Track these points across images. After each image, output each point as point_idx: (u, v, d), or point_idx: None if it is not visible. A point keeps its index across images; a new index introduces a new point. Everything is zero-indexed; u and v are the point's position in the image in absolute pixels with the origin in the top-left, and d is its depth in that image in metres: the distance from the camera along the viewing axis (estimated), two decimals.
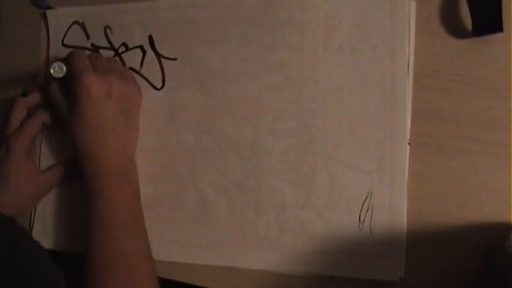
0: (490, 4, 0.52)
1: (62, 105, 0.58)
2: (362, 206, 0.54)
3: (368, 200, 0.54)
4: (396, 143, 0.53)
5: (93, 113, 0.56)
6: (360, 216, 0.54)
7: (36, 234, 0.63)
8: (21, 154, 0.60)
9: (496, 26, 0.51)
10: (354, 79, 0.55)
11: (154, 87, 0.61)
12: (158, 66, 0.61)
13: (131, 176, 0.57)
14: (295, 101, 0.56)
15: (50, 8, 0.66)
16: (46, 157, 0.64)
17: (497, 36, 0.52)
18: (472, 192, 0.52)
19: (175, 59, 0.61)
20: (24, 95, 0.61)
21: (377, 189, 0.54)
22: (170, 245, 0.59)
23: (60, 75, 0.57)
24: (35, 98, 0.61)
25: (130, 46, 0.63)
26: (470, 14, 0.53)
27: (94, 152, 0.56)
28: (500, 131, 0.52)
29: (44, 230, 0.63)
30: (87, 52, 0.61)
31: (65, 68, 0.57)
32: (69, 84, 0.57)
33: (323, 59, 0.56)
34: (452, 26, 0.54)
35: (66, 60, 0.58)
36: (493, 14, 0.52)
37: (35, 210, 0.64)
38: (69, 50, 0.64)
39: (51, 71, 0.57)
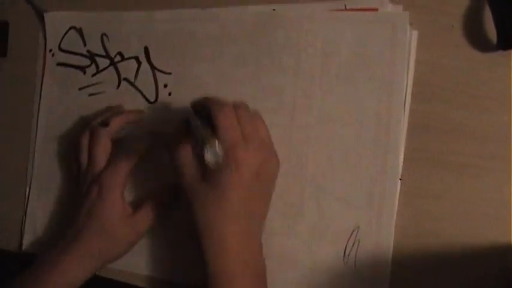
0: None
1: (190, 176, 0.48)
2: (348, 240, 0.53)
3: (355, 234, 0.53)
4: (387, 179, 0.52)
5: (236, 194, 0.46)
6: (345, 250, 0.53)
7: (27, 240, 0.64)
8: (117, 194, 0.55)
9: None
10: (348, 109, 0.54)
11: (148, 101, 0.61)
12: (153, 78, 0.60)
13: (262, 272, 0.50)
14: (287, 128, 0.55)
15: None
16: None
17: None
18: (497, 214, 0.50)
19: (170, 73, 0.60)
20: (105, 124, 0.56)
21: (364, 224, 0.53)
22: (162, 262, 0.59)
23: (216, 167, 0.45)
24: (117, 125, 0.57)
25: (126, 56, 0.62)
26: (496, 27, 0.51)
27: (225, 243, 0.47)
28: None
29: (35, 235, 0.64)
30: (230, 103, 0.49)
31: (221, 155, 0.45)
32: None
33: (318, 86, 0.55)
34: (475, 38, 0.52)
35: (207, 119, 0.47)
36: None
37: (25, 216, 0.64)
38: (67, 55, 0.64)
39: (206, 158, 0.45)
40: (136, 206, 0.57)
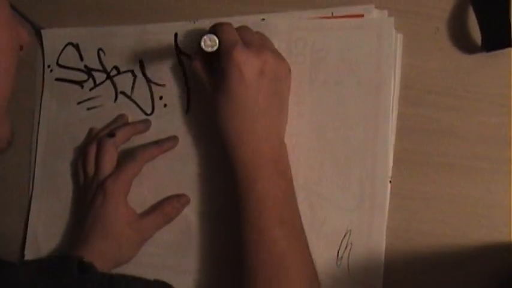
0: (499, 19, 0.50)
1: (206, 84, 0.53)
2: (341, 243, 0.54)
3: (347, 237, 0.54)
4: (377, 181, 0.53)
5: (244, 94, 0.50)
6: (338, 252, 0.54)
7: (28, 251, 0.65)
8: (120, 200, 0.57)
9: (506, 41, 0.50)
10: (337, 114, 0.55)
11: (145, 113, 0.62)
12: (148, 91, 0.62)
13: (284, 165, 0.52)
14: None
15: None
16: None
17: (507, 50, 0.50)
18: (486, 213, 0.51)
19: (164, 85, 0.61)
20: (112, 135, 0.59)
21: (356, 227, 0.53)
22: (160, 269, 0.60)
23: (212, 50, 0.51)
24: (124, 136, 0.60)
25: (122, 69, 0.63)
26: (480, 29, 0.52)
27: (242, 139, 0.51)
28: None
29: (36, 247, 0.65)
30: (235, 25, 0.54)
31: (217, 41, 0.51)
32: (217, 60, 0.52)
33: (308, 92, 0.56)
34: (460, 41, 0.53)
35: (213, 33, 0.52)
36: (503, 30, 0.50)
37: (26, 229, 0.65)
38: (65, 70, 0.66)
39: (202, 44, 0.50)
40: (144, 213, 0.59)
